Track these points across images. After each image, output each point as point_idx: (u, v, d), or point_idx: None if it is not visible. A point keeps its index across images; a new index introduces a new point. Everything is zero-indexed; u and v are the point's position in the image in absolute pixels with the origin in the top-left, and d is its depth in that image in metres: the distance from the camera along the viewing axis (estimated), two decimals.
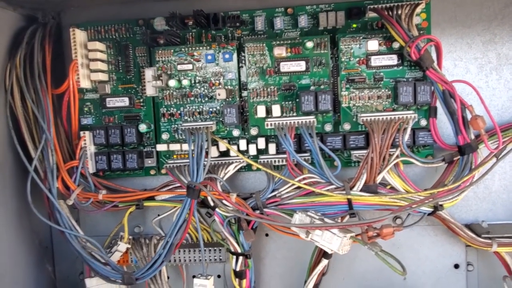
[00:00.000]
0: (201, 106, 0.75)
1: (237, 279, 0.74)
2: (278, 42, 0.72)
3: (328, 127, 0.73)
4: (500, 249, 0.71)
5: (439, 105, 0.70)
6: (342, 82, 0.72)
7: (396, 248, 0.78)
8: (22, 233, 0.76)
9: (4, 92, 0.73)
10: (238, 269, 0.73)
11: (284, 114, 0.73)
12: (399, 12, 0.69)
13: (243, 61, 0.74)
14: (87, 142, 0.76)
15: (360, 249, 0.74)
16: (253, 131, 0.74)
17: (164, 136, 0.76)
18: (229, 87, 0.74)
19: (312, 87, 0.72)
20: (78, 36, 0.74)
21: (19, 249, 0.76)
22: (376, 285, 0.80)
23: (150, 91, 0.75)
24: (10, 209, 0.74)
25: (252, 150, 0.75)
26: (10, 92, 0.72)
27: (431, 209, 0.69)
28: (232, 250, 0.73)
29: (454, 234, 0.74)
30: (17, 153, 0.71)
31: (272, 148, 0.74)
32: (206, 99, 0.75)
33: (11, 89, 0.72)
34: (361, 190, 0.69)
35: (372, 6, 0.70)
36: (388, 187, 0.71)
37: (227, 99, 0.74)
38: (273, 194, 0.71)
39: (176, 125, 0.76)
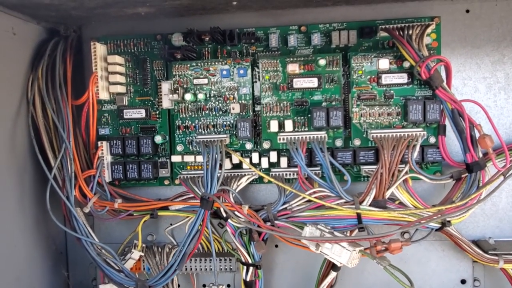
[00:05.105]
0: (215, 120, 0.77)
1: None
2: (291, 59, 0.74)
3: (338, 143, 0.75)
4: (506, 266, 0.72)
5: (448, 123, 0.72)
6: (353, 99, 0.74)
7: (403, 263, 0.79)
8: (39, 238, 0.79)
9: (27, 102, 0.75)
10: (248, 279, 0.75)
11: (296, 129, 0.75)
12: (410, 32, 0.71)
13: (257, 77, 0.77)
14: (104, 152, 0.78)
15: (368, 262, 0.75)
16: (266, 145, 0.76)
17: (179, 148, 0.78)
18: (243, 101, 0.76)
19: (324, 103, 0.74)
20: (99, 49, 0.76)
21: (37, 254, 0.78)
22: None
23: (166, 103, 0.77)
24: (28, 215, 0.76)
25: (264, 163, 0.76)
26: (32, 102, 0.75)
27: (439, 225, 0.71)
28: (243, 260, 0.74)
29: (461, 250, 0.75)
30: (37, 161, 0.73)
31: (283, 161, 0.76)
32: (221, 112, 0.77)
33: (33, 100, 0.75)
34: (370, 205, 0.70)
35: (383, 26, 0.72)
36: (397, 202, 0.72)
37: (241, 113, 0.76)
38: (284, 206, 0.73)
39: (190, 137, 0.78)
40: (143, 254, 0.79)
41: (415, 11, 0.75)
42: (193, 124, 0.77)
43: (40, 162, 0.73)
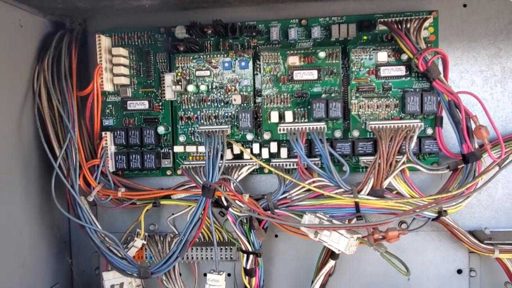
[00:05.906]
0: (217, 111, 0.79)
1: (247, 277, 0.77)
2: (292, 52, 0.75)
3: (337, 134, 0.76)
4: (502, 255, 0.74)
5: (445, 114, 0.73)
6: (352, 90, 0.76)
7: (400, 252, 0.80)
8: (44, 226, 0.80)
9: (32, 94, 0.77)
10: (248, 267, 0.76)
11: (296, 120, 0.76)
12: (408, 25, 0.72)
13: (258, 69, 0.78)
14: (108, 142, 0.80)
15: (366, 252, 0.77)
16: (266, 136, 0.77)
17: (181, 138, 0.80)
18: (244, 93, 0.78)
19: (323, 95, 0.76)
20: (103, 42, 0.78)
21: (41, 241, 0.80)
22: (380, 287, 0.83)
23: (169, 95, 0.79)
24: (34, 204, 0.78)
25: (265, 154, 0.78)
26: (38, 93, 0.77)
27: (436, 215, 0.72)
28: (243, 248, 0.76)
29: (457, 240, 0.76)
30: (43, 151, 0.75)
31: (284, 152, 0.77)
32: (222, 104, 0.78)
33: (39, 91, 0.77)
34: (368, 194, 0.72)
35: (382, 20, 0.74)
36: (394, 192, 0.74)
37: (242, 105, 0.78)
38: (284, 196, 0.74)
39: (192, 128, 0.79)
40: (145, 242, 0.81)
41: (414, 5, 0.77)
42: (195, 115, 0.79)
43: (46, 151, 0.75)
